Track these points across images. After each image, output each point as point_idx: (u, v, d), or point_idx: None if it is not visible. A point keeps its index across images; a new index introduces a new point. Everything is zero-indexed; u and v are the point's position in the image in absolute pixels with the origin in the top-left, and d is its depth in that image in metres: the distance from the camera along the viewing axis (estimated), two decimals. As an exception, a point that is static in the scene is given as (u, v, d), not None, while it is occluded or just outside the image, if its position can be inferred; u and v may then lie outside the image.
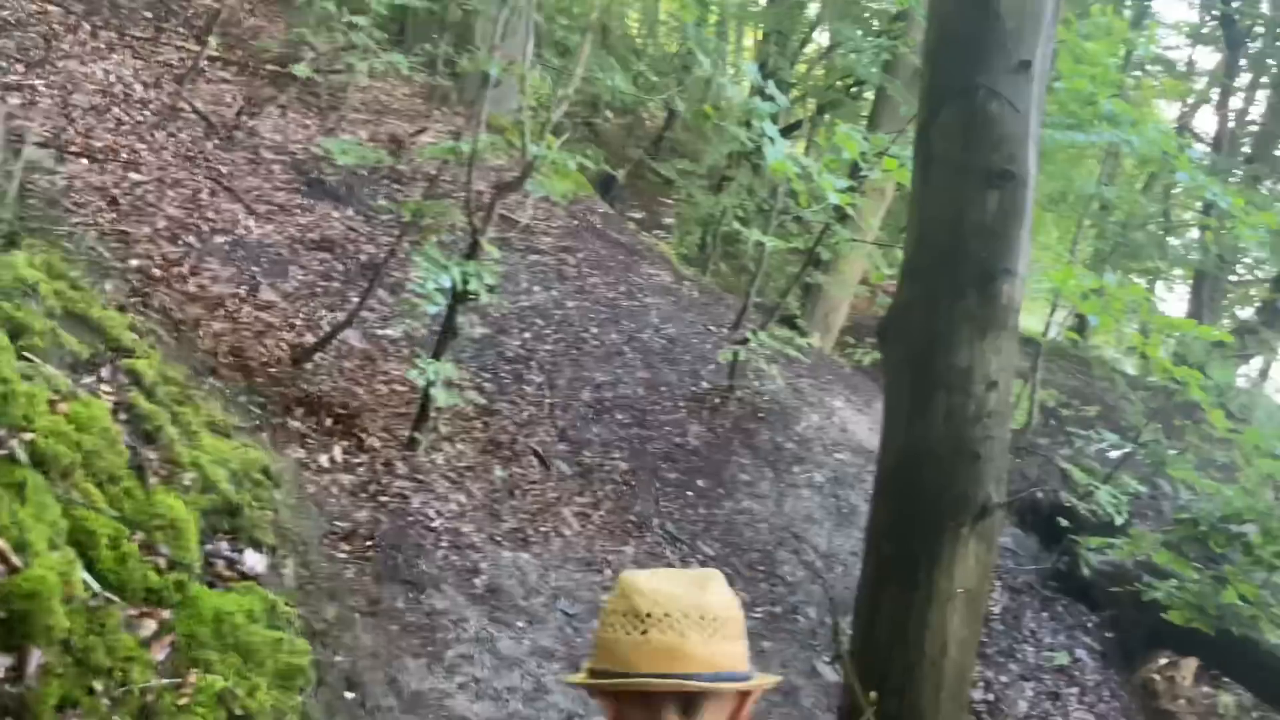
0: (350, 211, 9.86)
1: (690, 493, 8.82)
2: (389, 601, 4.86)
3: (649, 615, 1.58)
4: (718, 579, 1.72)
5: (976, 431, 3.82)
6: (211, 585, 3.51)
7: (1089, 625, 9.47)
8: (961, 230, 3.91)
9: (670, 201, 20.03)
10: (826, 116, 19.83)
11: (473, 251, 6.16)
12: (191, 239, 8.27)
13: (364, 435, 6.17)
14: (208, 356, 6.05)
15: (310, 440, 5.78)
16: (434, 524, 5.89)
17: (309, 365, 6.92)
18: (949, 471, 3.88)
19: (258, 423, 5.58)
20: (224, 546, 3.88)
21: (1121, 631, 9.42)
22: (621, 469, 8.62)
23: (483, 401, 8.40)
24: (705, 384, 10.06)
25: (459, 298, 6.24)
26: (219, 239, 8.49)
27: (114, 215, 7.78)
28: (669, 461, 8.99)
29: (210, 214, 8.73)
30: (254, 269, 8.40)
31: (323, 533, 5.07)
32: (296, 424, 5.88)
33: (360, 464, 5.85)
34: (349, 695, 4.07)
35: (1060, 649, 9.18)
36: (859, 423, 10.79)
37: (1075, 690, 8.76)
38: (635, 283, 11.39)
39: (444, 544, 5.78)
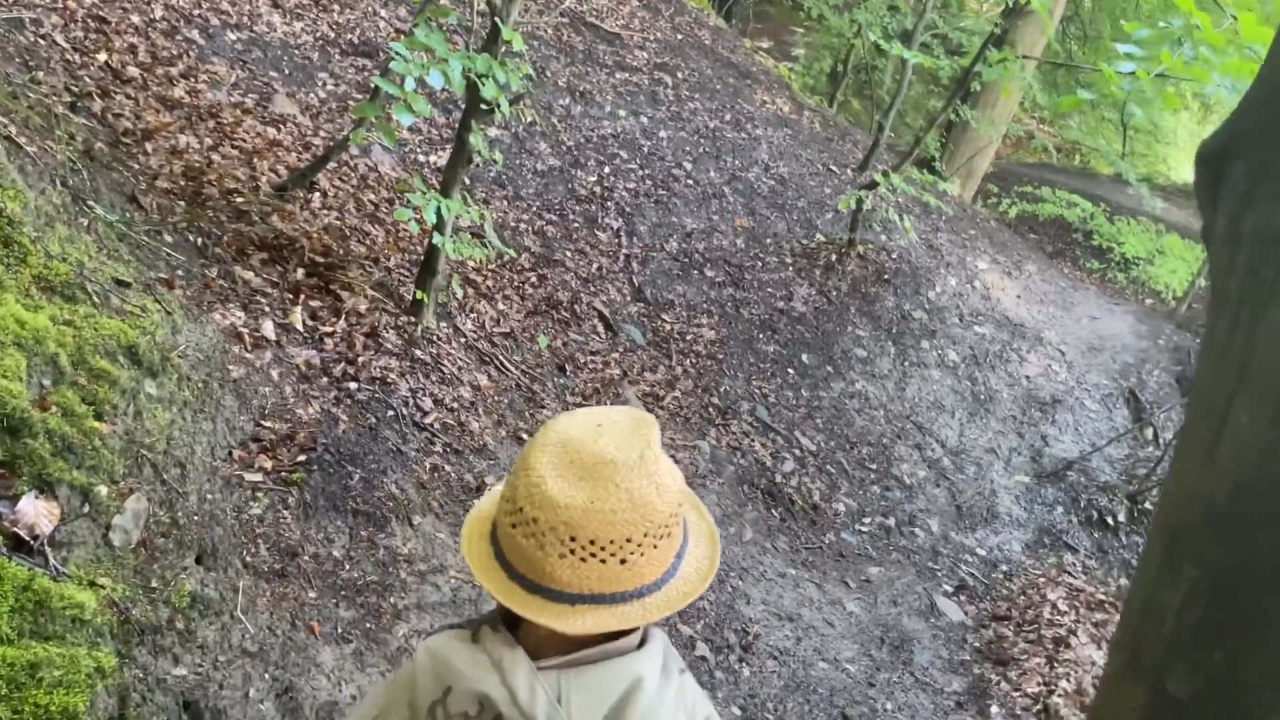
0: (402, 11, 7.88)
1: (791, 370, 6.89)
2: (317, 550, 3.17)
3: (520, 512, 1.21)
4: (642, 450, 1.22)
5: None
6: None
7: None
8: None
9: (800, 30, 17.32)
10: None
11: (491, 40, 4.20)
12: (195, 34, 6.48)
13: (345, 293, 4.41)
14: (141, 178, 4.32)
15: (261, 299, 4.06)
16: (426, 419, 4.15)
17: (300, 194, 5.15)
18: None
19: (179, 271, 3.85)
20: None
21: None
22: (707, 338, 6.72)
23: (539, 249, 6.54)
24: (820, 236, 7.96)
25: (471, 107, 4.32)
26: (231, 36, 6.67)
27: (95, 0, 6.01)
28: (768, 331, 7.04)
29: (225, 6, 6.89)
30: (271, 74, 6.59)
31: (239, 442, 3.37)
32: (248, 274, 4.16)
33: (329, 334, 4.13)
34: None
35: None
36: (1006, 289, 8.57)
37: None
38: (745, 111, 9.18)
39: (435, 449, 4.05)
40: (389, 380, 4.16)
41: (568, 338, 6.00)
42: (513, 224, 6.66)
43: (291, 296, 4.26)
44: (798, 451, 6.35)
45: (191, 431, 3.19)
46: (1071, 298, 9.06)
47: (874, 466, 6.64)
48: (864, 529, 6.12)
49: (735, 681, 4.18)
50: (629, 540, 1.20)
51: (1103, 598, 6.28)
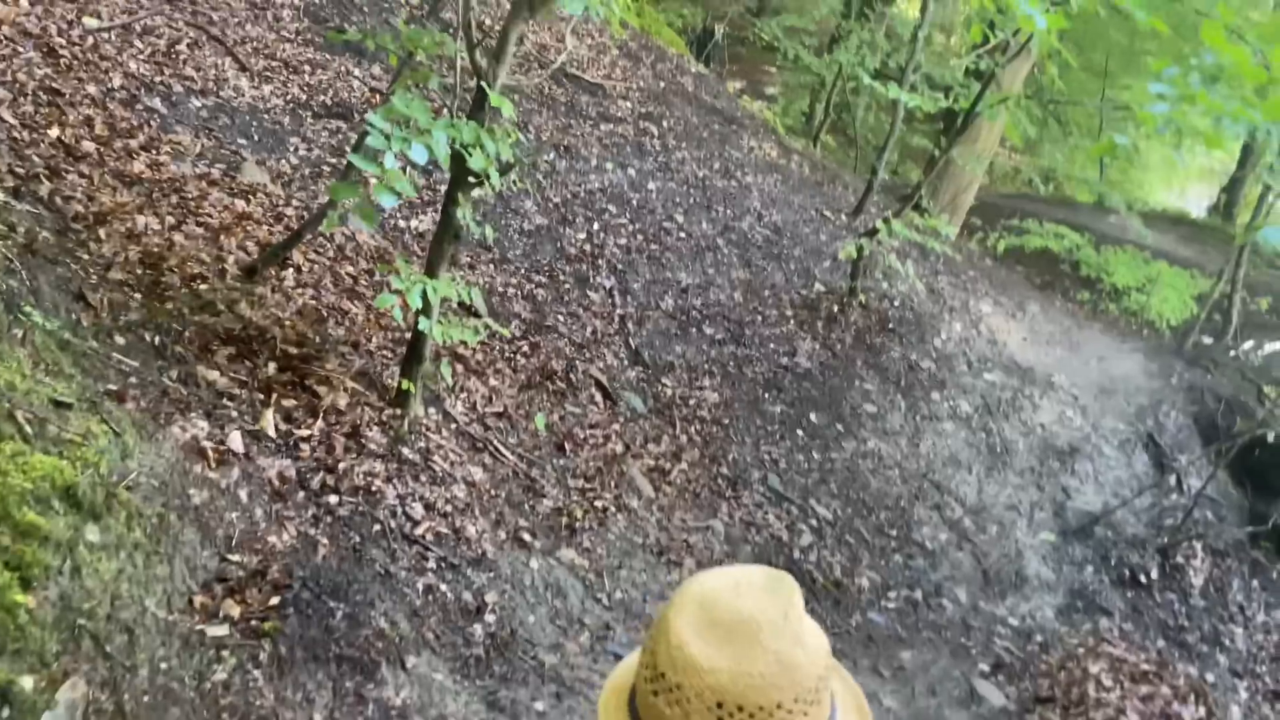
0: (376, 69, 7.41)
1: (800, 431, 6.39)
2: (295, 716, 2.62)
3: (662, 678, 1.12)
4: (785, 609, 1.15)
5: None
6: None
7: (1313, 599, 6.86)
8: None
9: (773, 70, 17.02)
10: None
11: (478, 106, 3.72)
12: (157, 102, 5.97)
13: (323, 388, 3.88)
14: (91, 271, 3.79)
15: (227, 403, 3.53)
16: (416, 530, 3.61)
17: (271, 273, 4.63)
18: None
19: (131, 379, 3.31)
20: None
21: (1359, 609, 6.80)
22: (711, 402, 6.21)
23: (529, 315, 6.03)
24: (820, 286, 7.50)
25: (457, 180, 3.82)
26: (196, 103, 6.17)
27: (48, 70, 5.50)
28: (773, 390, 6.54)
29: (189, 71, 6.40)
30: (239, 141, 6.08)
31: (201, 584, 2.83)
32: (213, 374, 3.62)
33: (306, 438, 3.59)
34: None
35: (1276, 630, 6.61)
36: (1011, 332, 8.13)
37: (1302, 689, 6.22)
38: (733, 158, 8.75)
39: (428, 566, 3.51)
40: (374, 488, 3.63)
41: (565, 411, 5.48)
42: (500, 289, 6.15)
43: (263, 397, 3.72)
44: (814, 522, 5.83)
45: (143, 581, 2.65)
46: (1077, 337, 8.64)
47: (894, 533, 6.13)
48: (890, 605, 5.59)
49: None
50: (779, 706, 1.11)
51: (1146, 668, 5.77)
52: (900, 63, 11.02)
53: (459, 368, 5.07)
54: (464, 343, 4.65)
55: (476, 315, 5.69)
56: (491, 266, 6.33)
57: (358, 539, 3.38)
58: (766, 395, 6.45)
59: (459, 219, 3.91)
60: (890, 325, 7.36)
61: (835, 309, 7.23)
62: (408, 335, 4.36)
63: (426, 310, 3.91)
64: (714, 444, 5.91)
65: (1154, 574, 6.53)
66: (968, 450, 6.93)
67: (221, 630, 2.73)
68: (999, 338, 7.94)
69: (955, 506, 6.54)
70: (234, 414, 3.54)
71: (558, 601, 3.86)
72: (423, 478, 3.89)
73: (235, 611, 2.82)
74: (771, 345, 6.80)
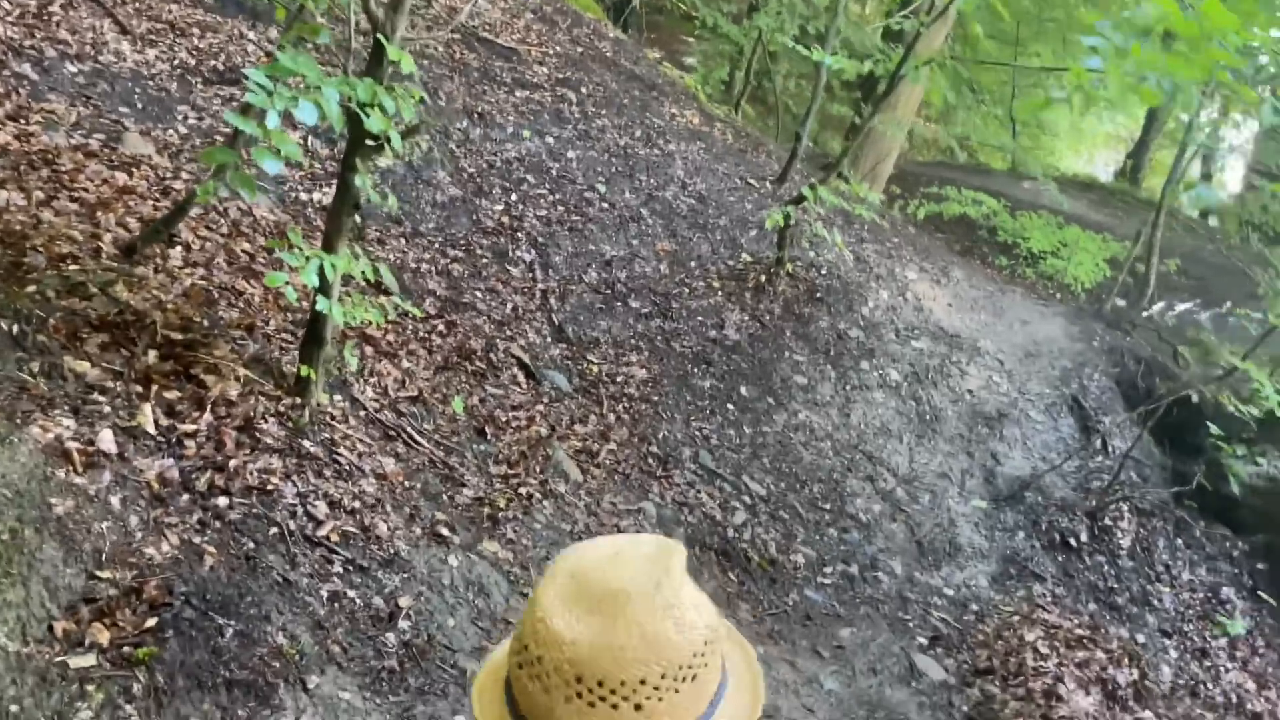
0: (274, 33, 6.89)
1: (731, 406, 6.14)
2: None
3: (525, 650, 1.04)
4: (659, 579, 1.05)
5: None
6: None
7: (1234, 554, 6.89)
8: None
9: (691, 40, 16.70)
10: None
11: (375, 62, 3.33)
12: (27, 68, 5.42)
13: (210, 377, 3.47)
14: (-63, 252, 3.32)
15: (98, 398, 3.11)
16: (320, 531, 3.25)
17: (155, 252, 4.18)
18: None
19: (-20, 377, 2.88)
20: None
21: (1277, 562, 6.84)
22: (639, 378, 5.92)
23: (445, 292, 5.66)
24: (747, 256, 7.24)
25: (354, 143, 3.44)
26: (72, 68, 5.62)
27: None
28: (702, 364, 6.28)
29: (64, 34, 5.83)
30: (121, 110, 5.56)
31: (64, 608, 2.44)
32: (82, 365, 3.19)
33: (191, 434, 3.20)
34: None
35: (1201, 587, 6.62)
36: (937, 298, 7.99)
37: (1225, 644, 6.23)
38: (655, 126, 8.42)
39: (334, 570, 3.16)
40: (270, 487, 3.25)
41: (485, 392, 5.13)
42: (413, 265, 5.76)
43: (140, 389, 3.30)
44: (747, 499, 5.59)
45: (-14, 612, 2.26)
46: (1000, 302, 8.55)
47: (827, 506, 5.93)
48: (827, 581, 5.40)
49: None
50: (643, 682, 1.01)
51: (1081, 633, 5.69)
52: (819, 28, 10.79)
53: (368, 350, 4.68)
54: (373, 323, 4.27)
55: (387, 293, 5.29)
56: (403, 241, 5.92)
57: (251, 545, 3.00)
58: (695, 369, 6.18)
59: (358, 187, 3.52)
60: (818, 294, 7.15)
61: (763, 279, 6.98)
62: (308, 316, 3.95)
63: (324, 289, 3.53)
64: (643, 422, 5.63)
65: (1083, 537, 6.46)
66: (898, 419, 6.77)
67: (87, 661, 2.36)
68: (925, 304, 7.79)
69: (887, 477, 6.38)
70: (106, 410, 3.12)
71: (480, 601, 3.53)
72: (327, 472, 3.52)
73: (104, 638, 2.44)
74: (699, 318, 6.53)
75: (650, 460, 5.41)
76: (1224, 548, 6.93)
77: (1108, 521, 6.62)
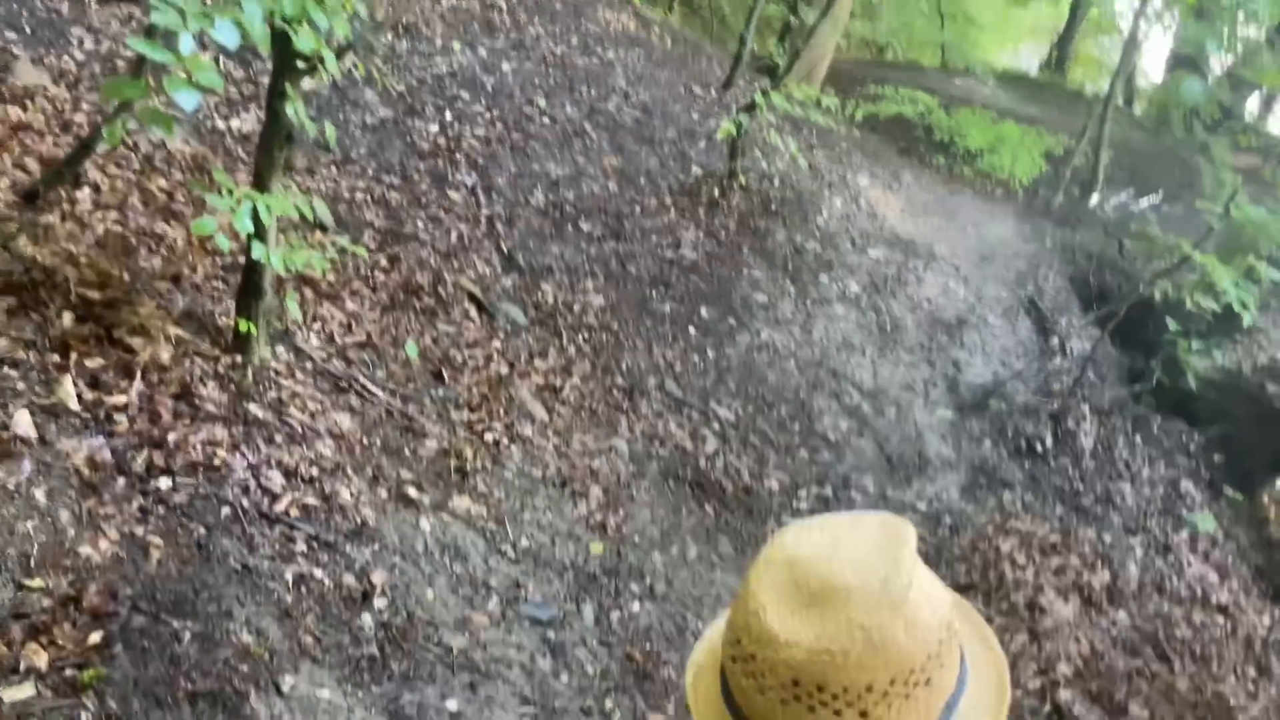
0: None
1: (693, 329, 5.86)
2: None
3: (738, 644, 0.94)
4: (887, 574, 0.92)
5: None
6: None
7: (1191, 447, 6.91)
8: None
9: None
10: None
11: (298, -30, 2.87)
12: (-113, -9, 4.74)
13: (137, 339, 3.05)
14: None
15: (10, 373, 2.69)
16: (277, 505, 2.90)
17: (61, 197, 3.68)
18: None
19: None
20: None
21: (1234, 453, 6.88)
22: (597, 306, 5.58)
23: (384, 223, 5.21)
24: (698, 169, 6.87)
25: (283, 66, 2.99)
26: (-59, -10, 4.94)
27: None
28: (660, 287, 5.95)
29: (-72, -50, 5.11)
30: (8, 35, 4.92)
31: (-17, 629, 2.07)
32: (-17, 338, 2.76)
33: (122, 409, 2.80)
34: None
35: (1162, 483, 6.64)
36: (890, 204, 7.74)
37: (1186, 537, 6.26)
38: (591, 32, 7.89)
39: (297, 549, 2.82)
40: (217, 461, 2.88)
41: (437, 331, 4.75)
42: (346, 195, 5.28)
43: (57, 359, 2.88)
44: (716, 426, 5.35)
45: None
46: (951, 204, 8.34)
47: (796, 427, 5.73)
48: (803, 506, 5.22)
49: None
50: (869, 689, 0.89)
51: (1054, 539, 5.64)
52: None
53: (308, 293, 4.26)
54: (314, 267, 3.85)
55: (323, 229, 4.84)
56: (334, 170, 5.43)
57: (202, 530, 2.65)
58: (654, 293, 5.86)
59: (289, 116, 3.08)
60: (773, 207, 6.83)
61: (716, 193, 6.63)
62: (242, 259, 3.52)
63: (260, 233, 3.10)
64: (605, 352, 5.31)
65: (1048, 441, 6.40)
66: (859, 332, 6.56)
67: (23, 692, 2.01)
68: (879, 211, 7.54)
69: (853, 392, 6.19)
70: (19, 386, 2.71)
71: (457, 566, 3.24)
72: (278, 438, 3.16)
73: (42, 660, 2.09)
74: (654, 238, 6.18)
75: (616, 392, 5.11)
76: (1181, 441, 6.95)
77: (1070, 424, 6.57)
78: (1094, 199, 10.26)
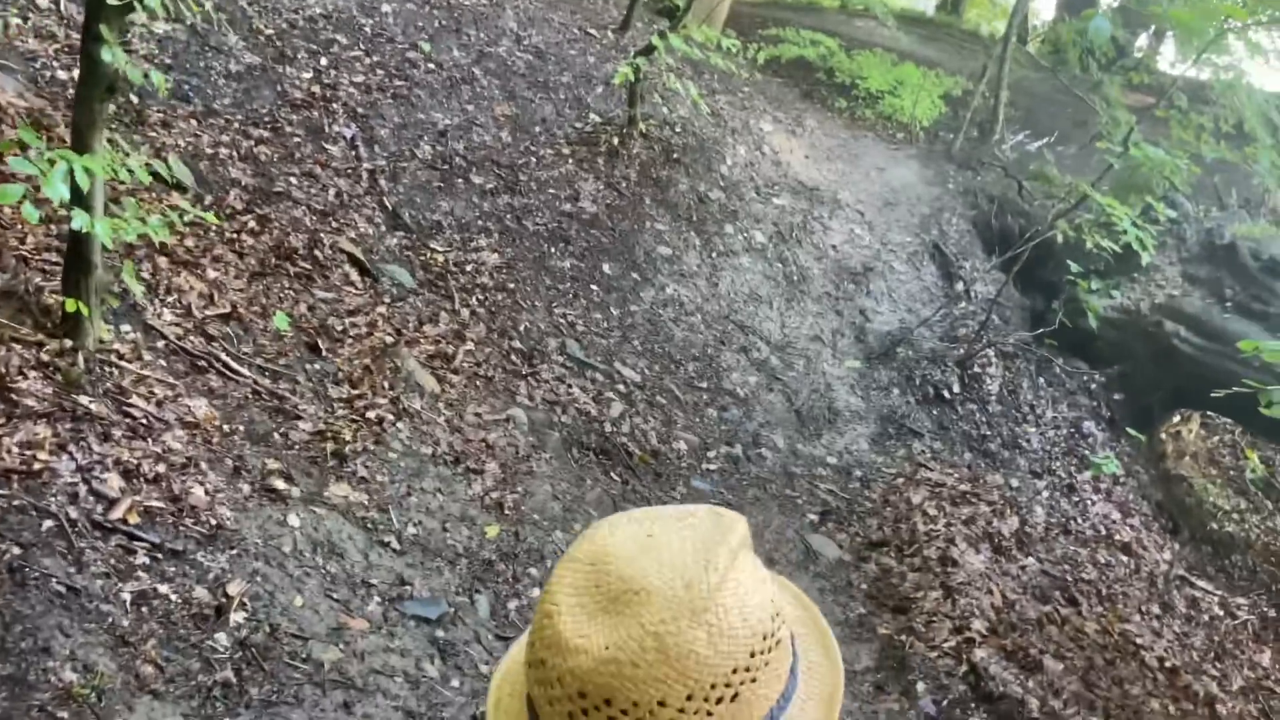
0: None
1: (595, 287, 5.53)
2: None
3: (532, 648, 0.86)
4: (694, 577, 0.83)
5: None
6: None
7: (1092, 387, 6.90)
8: None
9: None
10: None
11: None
12: None
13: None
14: None
15: None
16: (112, 513, 2.51)
17: None
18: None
19: None
20: None
21: (1133, 392, 6.90)
22: (491, 265, 5.21)
23: (252, 181, 4.73)
24: (595, 117, 6.48)
25: (95, 6, 2.53)
26: None
27: None
28: (559, 242, 5.60)
29: None
30: None
31: None
32: None
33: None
34: None
35: (1065, 424, 6.62)
36: (794, 150, 7.48)
37: (1089, 478, 6.26)
38: (477, -29, 7.37)
39: (136, 562, 2.45)
40: (37, 466, 2.46)
41: (313, 299, 4.33)
42: (209, 151, 4.77)
43: None
44: (622, 387, 5.06)
45: None
46: (854, 149, 8.13)
47: (704, 385, 5.48)
48: (712, 467, 4.98)
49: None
50: (662, 704, 0.79)
51: (964, 488, 5.53)
52: None
53: (161, 262, 3.79)
54: (154, 234, 3.39)
55: (181, 190, 4.35)
56: (194, 122, 4.89)
57: (15, 550, 2.25)
58: (552, 249, 5.50)
59: (108, 63, 2.62)
60: (675, 155, 6.50)
61: (615, 142, 6.27)
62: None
63: (82, 201, 2.66)
64: (501, 314, 4.95)
65: (955, 388, 6.29)
66: (766, 284, 6.32)
67: None
68: (783, 158, 7.27)
69: (761, 346, 5.96)
70: None
71: (332, 565, 2.89)
72: (116, 433, 2.75)
73: None
74: (551, 190, 5.80)
75: (514, 357, 4.77)
76: (1082, 382, 6.93)
77: (976, 369, 6.47)
78: (994, 141, 10.19)
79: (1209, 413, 7.13)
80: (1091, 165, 10.32)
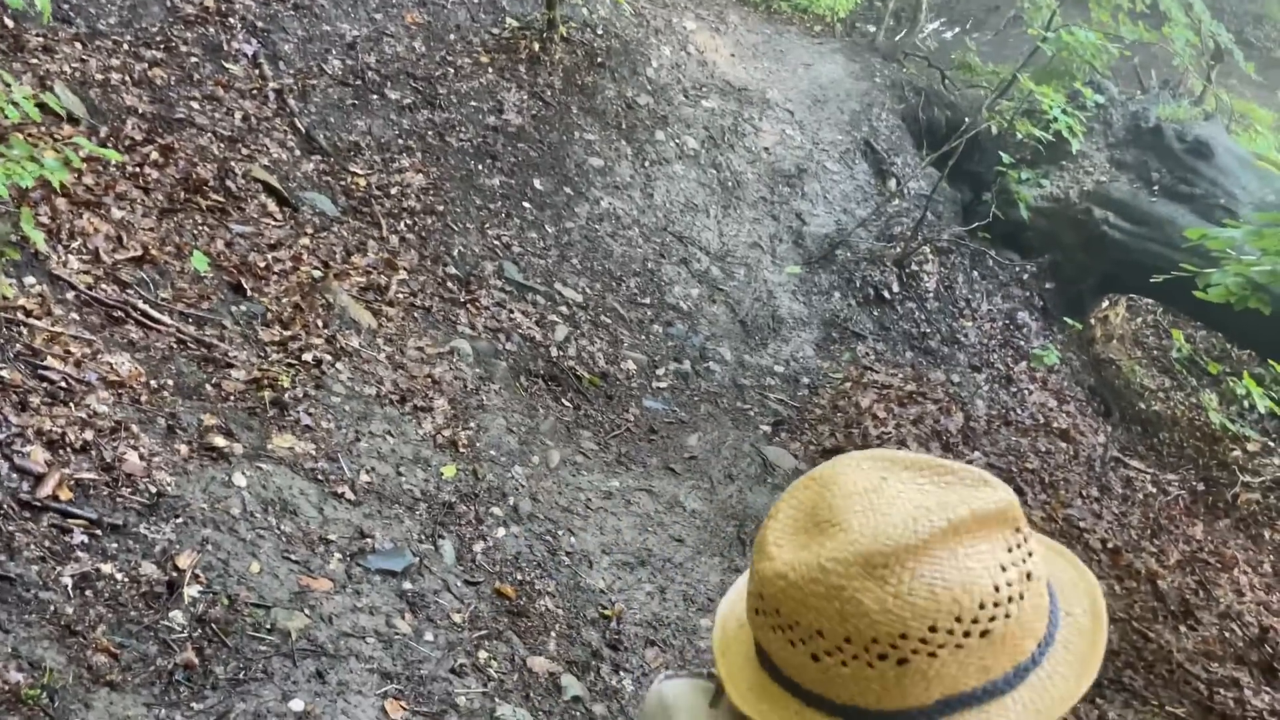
0: None
1: (528, 204, 5.28)
2: None
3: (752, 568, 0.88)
4: (907, 540, 0.81)
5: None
6: None
7: (1024, 278, 6.95)
8: None
9: None
10: None
11: None
12: None
13: None
14: None
15: None
16: (41, 490, 2.27)
17: None
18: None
19: None
20: None
21: (1064, 280, 6.97)
22: (417, 186, 4.92)
23: (150, 108, 4.33)
24: (513, 21, 6.11)
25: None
26: None
27: None
28: (487, 159, 5.31)
29: None
30: None
31: None
32: None
33: None
34: None
35: (1000, 315, 6.68)
36: (719, 49, 7.21)
37: (1026, 367, 6.36)
38: None
39: (75, 542, 2.23)
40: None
41: (231, 234, 4.02)
42: (99, 77, 4.34)
43: None
44: (565, 309, 4.89)
45: None
46: (779, 45, 7.88)
47: (647, 300, 5.33)
48: (662, 385, 4.87)
49: (624, 709, 2.89)
50: (820, 634, 0.81)
51: (910, 388, 5.54)
52: None
53: (60, 204, 3.45)
54: (50, 176, 3.05)
55: (74, 122, 3.96)
56: (79, 46, 4.44)
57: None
58: (480, 166, 5.22)
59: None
60: (599, 59, 6.20)
61: (536, 47, 5.93)
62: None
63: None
64: (432, 239, 4.70)
65: (895, 288, 6.26)
66: (702, 191, 6.14)
67: None
68: (709, 57, 7.01)
69: (701, 256, 5.82)
70: None
71: (286, 524, 2.71)
72: (34, 400, 2.49)
73: None
74: (473, 103, 5.48)
75: (450, 284, 4.54)
76: (1015, 273, 6.97)
77: (914, 267, 6.44)
78: (915, 31, 10.03)
79: (1133, 295, 7.27)
80: (1008, 51, 10.28)
